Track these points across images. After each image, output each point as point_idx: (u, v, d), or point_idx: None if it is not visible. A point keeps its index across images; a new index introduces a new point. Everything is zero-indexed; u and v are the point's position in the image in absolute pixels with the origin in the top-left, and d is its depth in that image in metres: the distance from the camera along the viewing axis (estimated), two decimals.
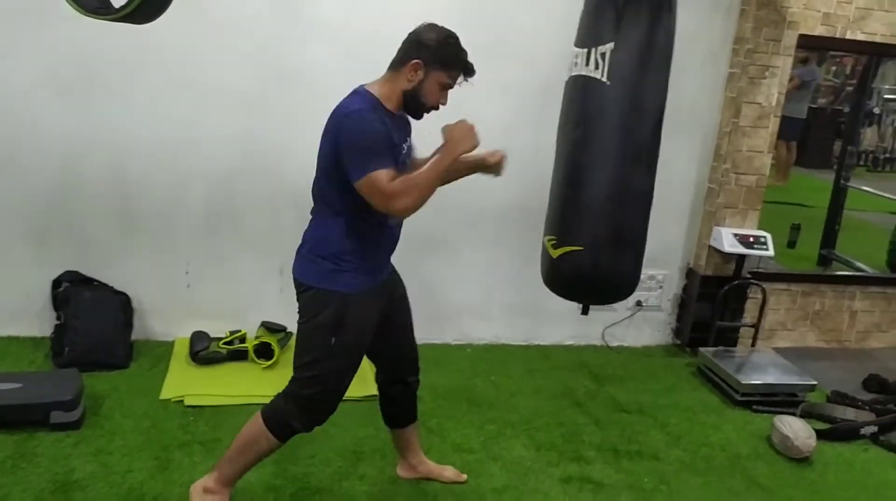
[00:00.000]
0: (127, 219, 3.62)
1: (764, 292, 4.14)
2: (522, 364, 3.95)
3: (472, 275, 4.05)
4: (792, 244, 5.95)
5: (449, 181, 2.38)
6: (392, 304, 2.50)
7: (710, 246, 4.12)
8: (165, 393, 3.26)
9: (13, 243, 3.55)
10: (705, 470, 3.11)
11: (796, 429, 3.26)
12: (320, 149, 2.29)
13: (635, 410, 3.56)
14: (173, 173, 3.59)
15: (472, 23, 3.62)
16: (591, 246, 2.58)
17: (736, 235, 4.01)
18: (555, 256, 2.62)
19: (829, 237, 5.61)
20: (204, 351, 3.51)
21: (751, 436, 3.42)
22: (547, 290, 3.95)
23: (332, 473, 2.82)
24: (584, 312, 2.81)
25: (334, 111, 2.25)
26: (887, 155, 9.62)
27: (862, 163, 9.27)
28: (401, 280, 2.59)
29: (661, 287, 4.27)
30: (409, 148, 2.41)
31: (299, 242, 3.90)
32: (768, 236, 4.07)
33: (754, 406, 3.65)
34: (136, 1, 1.92)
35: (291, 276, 2.41)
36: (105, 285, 3.61)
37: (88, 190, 3.55)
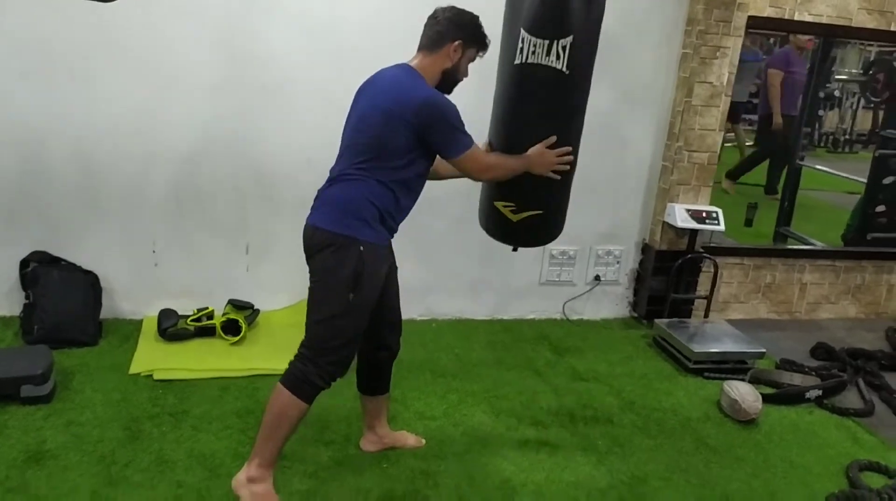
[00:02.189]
0: (94, 200, 3.67)
1: (716, 265, 4.30)
2: (485, 337, 4.07)
3: (436, 252, 4.16)
4: (749, 223, 6.15)
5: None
6: (390, 270, 2.63)
7: (664, 222, 4.26)
8: (135, 368, 3.33)
9: None
10: (657, 433, 3.26)
11: (743, 393, 3.42)
12: (370, 122, 2.40)
13: (592, 378, 3.70)
14: (139, 155, 3.65)
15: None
16: (547, 210, 2.74)
17: (688, 210, 4.16)
18: (515, 220, 2.74)
19: (785, 216, 5.80)
20: (172, 328, 3.58)
21: (701, 401, 3.58)
22: (511, 267, 4.13)
23: (297, 440, 2.88)
24: (515, 250, 3.00)
25: (393, 89, 2.40)
26: (847, 137, 9.84)
27: (822, 145, 9.51)
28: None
29: (618, 262, 4.41)
30: None
31: (264, 221, 4.02)
32: (719, 211, 4.22)
33: (705, 374, 3.81)
34: None
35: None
36: (73, 265, 3.67)
37: (55, 172, 3.59)
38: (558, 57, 2.45)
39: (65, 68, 3.47)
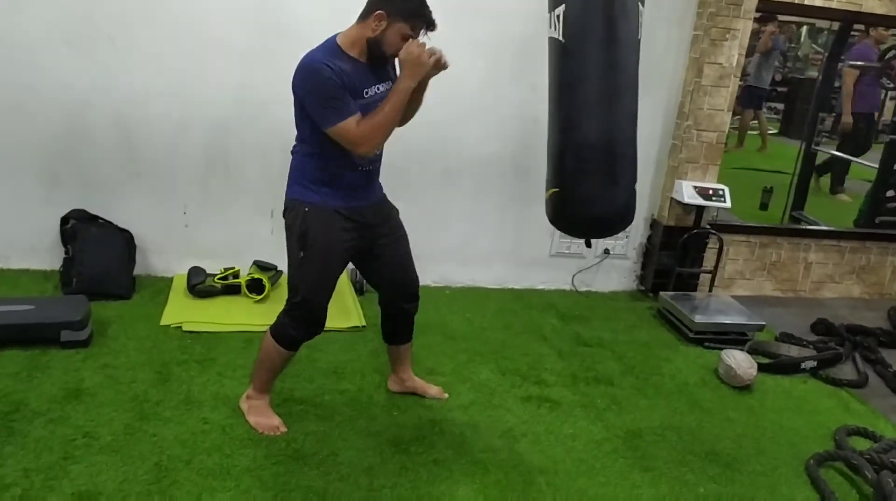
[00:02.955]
0: (130, 163, 3.91)
1: (721, 240, 4.45)
2: (496, 304, 4.27)
3: (453, 223, 4.35)
4: (764, 207, 6.25)
5: (414, 102, 2.57)
6: (379, 233, 2.73)
7: (672, 198, 4.41)
8: (165, 320, 3.57)
9: (25, 183, 3.85)
10: (654, 394, 3.44)
11: (739, 360, 3.58)
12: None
13: (596, 344, 3.88)
14: (173, 121, 3.87)
15: None
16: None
17: (696, 187, 4.31)
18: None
19: (799, 200, 5.91)
20: (200, 284, 3.81)
21: (699, 368, 3.74)
22: (523, 240, 4.32)
23: (314, 389, 3.14)
24: (588, 244, 3.00)
25: (301, 62, 2.45)
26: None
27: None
28: (393, 212, 2.83)
29: (627, 237, 4.57)
30: (384, 93, 2.51)
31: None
32: (726, 188, 4.36)
33: (706, 344, 3.97)
34: None
35: (282, 218, 2.70)
36: (110, 223, 3.91)
37: (94, 136, 3.83)
38: (555, 28, 2.55)
39: (106, 36, 3.69)
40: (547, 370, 3.54)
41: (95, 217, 3.90)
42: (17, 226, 3.89)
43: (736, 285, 4.78)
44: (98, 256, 3.75)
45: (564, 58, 2.59)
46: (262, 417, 2.81)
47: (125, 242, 3.89)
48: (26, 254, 3.92)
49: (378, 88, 2.52)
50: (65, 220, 3.87)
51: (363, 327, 3.75)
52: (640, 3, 2.60)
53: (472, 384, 3.34)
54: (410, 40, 2.42)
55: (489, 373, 3.46)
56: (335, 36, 2.50)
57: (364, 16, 2.46)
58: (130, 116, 3.82)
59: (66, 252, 3.82)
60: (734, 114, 6.43)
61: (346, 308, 3.88)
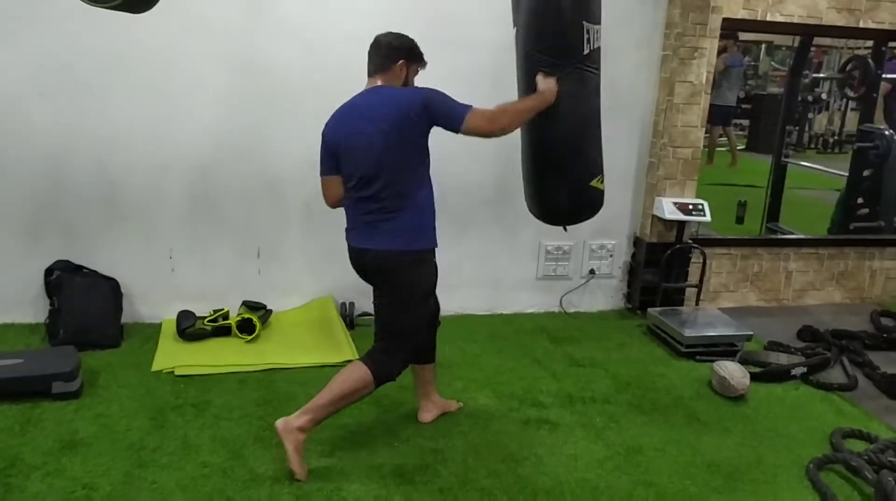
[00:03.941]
0: (112, 210, 3.90)
1: (704, 254, 4.51)
2: (487, 331, 4.28)
3: (438, 252, 4.34)
4: (740, 220, 6.33)
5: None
6: None
7: (653, 215, 4.48)
8: (157, 365, 3.54)
9: (6, 236, 3.82)
10: (651, 410, 3.45)
11: (732, 370, 3.62)
12: (381, 147, 2.71)
13: (589, 364, 3.90)
14: (154, 166, 3.88)
15: (428, 17, 4.00)
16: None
17: (675, 203, 4.38)
18: (603, 187, 3.15)
19: (773, 212, 6.01)
20: (190, 328, 3.79)
21: (693, 381, 3.77)
22: (509, 264, 4.36)
23: None
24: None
25: (386, 104, 2.72)
26: (836, 137, 10.06)
27: (812, 146, 9.74)
28: None
29: (611, 256, 4.63)
30: None
31: (274, 226, 4.24)
32: (705, 203, 4.43)
33: (697, 357, 4.00)
34: None
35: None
36: (95, 272, 3.88)
37: (75, 184, 3.82)
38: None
39: (83, 85, 3.71)
40: (543, 393, 3.55)
41: (80, 267, 3.87)
42: (0, 279, 3.84)
43: (721, 297, 4.84)
44: (84, 306, 3.72)
45: None
46: (300, 455, 2.70)
47: (111, 290, 3.86)
48: (10, 308, 3.87)
49: None
50: (49, 271, 3.84)
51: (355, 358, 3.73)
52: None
53: (470, 410, 3.34)
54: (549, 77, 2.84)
55: (486, 399, 3.46)
56: (380, 86, 2.81)
57: (386, 67, 2.81)
58: (111, 161, 3.82)
59: (52, 304, 3.78)
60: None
61: (337, 342, 3.87)
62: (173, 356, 3.64)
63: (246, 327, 3.87)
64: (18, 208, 3.80)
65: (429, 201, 2.85)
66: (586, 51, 2.85)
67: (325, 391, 2.75)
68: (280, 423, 2.70)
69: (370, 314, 4.18)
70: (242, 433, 3.02)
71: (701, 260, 4.54)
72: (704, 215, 4.40)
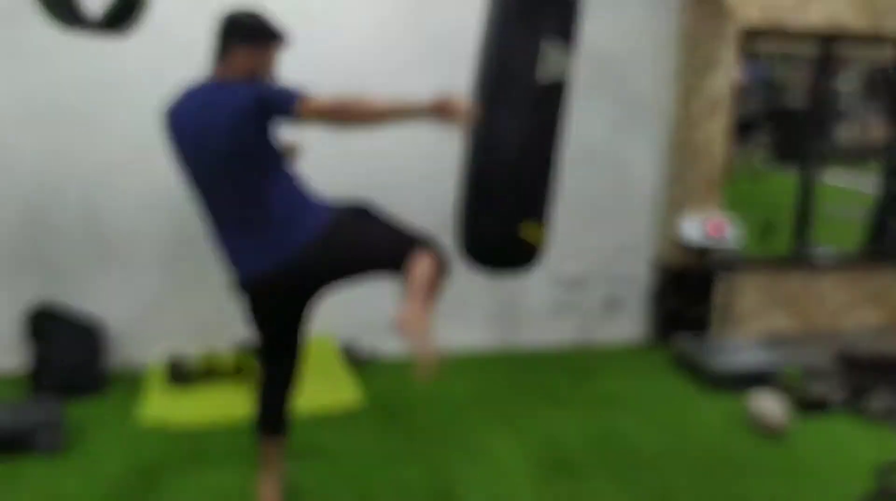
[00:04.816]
0: (95, 249, 3.71)
1: (730, 279, 4.25)
2: (501, 366, 4.04)
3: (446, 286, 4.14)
4: (767, 239, 6.08)
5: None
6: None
7: (674, 238, 4.23)
8: (146, 417, 3.30)
9: None
10: (681, 449, 3.19)
11: (768, 405, 3.35)
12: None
13: (611, 399, 3.64)
14: (138, 203, 3.70)
15: (429, 35, 3.83)
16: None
17: (698, 224, 4.13)
18: (538, 239, 2.82)
19: (802, 230, 5.73)
20: (179, 372, 3.57)
21: (726, 417, 3.50)
22: (521, 295, 4.15)
23: (318, 475, 2.89)
24: None
25: (216, 101, 2.28)
26: (864, 149, 9.79)
27: (841, 158, 9.45)
28: None
29: (630, 283, 4.37)
30: None
31: None
32: (730, 223, 4.18)
33: (728, 388, 3.73)
34: (111, 13, 2.02)
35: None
36: (78, 314, 3.68)
37: (56, 223, 3.65)
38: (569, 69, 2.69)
39: (65, 120, 3.54)
40: (565, 434, 3.29)
41: (62, 309, 3.67)
42: None
43: (750, 322, 4.57)
44: (67, 351, 3.50)
45: None
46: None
47: (95, 333, 3.64)
48: None
49: None
50: (31, 315, 3.63)
51: (361, 404, 3.51)
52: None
53: (486, 456, 3.10)
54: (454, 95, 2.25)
55: (503, 443, 3.21)
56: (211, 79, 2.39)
57: (224, 56, 2.38)
58: (92, 199, 3.64)
59: (34, 349, 3.57)
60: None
61: (337, 385, 3.65)
62: (163, 405, 3.41)
63: (238, 368, 3.65)
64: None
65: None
66: (540, 77, 2.58)
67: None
68: (405, 316, 2.20)
69: (376, 355, 4.00)
70: (236, 483, 2.79)
71: (726, 284, 4.27)
72: (729, 237, 4.15)
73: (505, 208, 2.72)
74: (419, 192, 3.86)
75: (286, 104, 2.21)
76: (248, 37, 2.37)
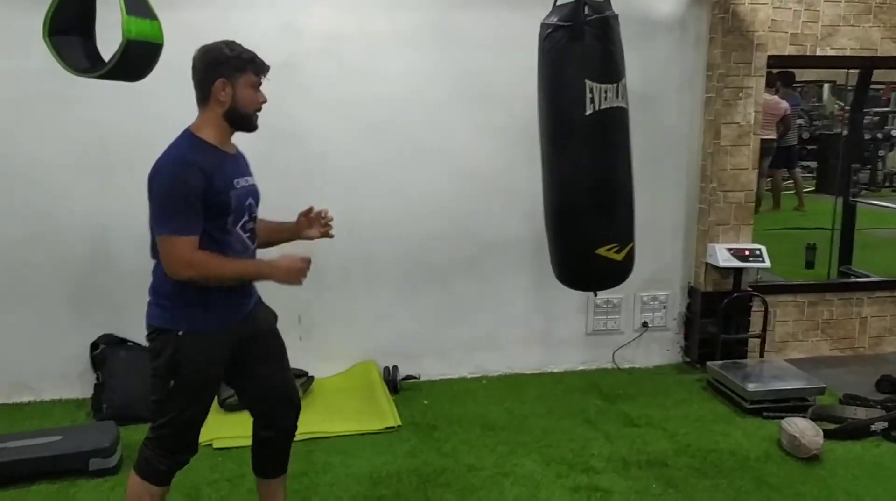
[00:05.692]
0: None
1: (765, 303, 4.25)
2: (535, 390, 4.10)
3: (482, 309, 4.25)
4: (810, 265, 6.01)
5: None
6: (254, 342, 2.45)
7: (706, 263, 4.26)
8: None
9: (53, 310, 3.87)
10: (714, 474, 3.19)
11: (803, 428, 3.33)
12: None
13: (645, 423, 3.67)
14: None
15: (452, 73, 3.97)
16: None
17: (730, 249, 4.15)
18: (621, 258, 2.89)
19: (845, 254, 5.68)
20: (230, 398, 3.72)
21: (760, 440, 3.49)
22: (556, 319, 4.20)
23: (350, 498, 2.99)
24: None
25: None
26: None
27: (888, 184, 9.29)
28: (269, 314, 2.59)
29: (664, 307, 4.41)
30: (252, 186, 2.44)
31: (313, 291, 4.17)
32: (763, 248, 4.19)
33: (764, 413, 3.72)
34: (116, 58, 2.14)
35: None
36: (138, 345, 3.88)
37: (116, 258, 3.86)
38: (622, 96, 2.73)
39: (121, 161, 3.77)
40: (595, 456, 3.33)
41: (124, 340, 3.88)
42: (47, 355, 3.88)
43: (789, 348, 4.53)
44: (127, 380, 3.70)
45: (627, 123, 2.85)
46: None
47: None
48: (57, 384, 3.90)
49: (247, 180, 2.42)
50: (94, 345, 3.86)
51: (398, 427, 3.61)
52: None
53: (515, 477, 3.16)
54: (299, 259, 2.35)
55: (533, 464, 3.26)
56: (189, 128, 2.32)
57: (204, 96, 2.27)
58: (146, 237, 3.83)
59: (97, 378, 3.79)
60: (765, 176, 6.34)
61: (380, 409, 3.75)
62: (212, 428, 3.54)
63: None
64: (64, 282, 3.86)
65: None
66: (589, 111, 2.69)
67: None
68: None
69: (414, 378, 4.11)
70: None
71: (763, 308, 4.27)
72: (763, 261, 4.16)
73: (585, 233, 2.91)
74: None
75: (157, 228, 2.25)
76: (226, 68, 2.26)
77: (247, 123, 2.34)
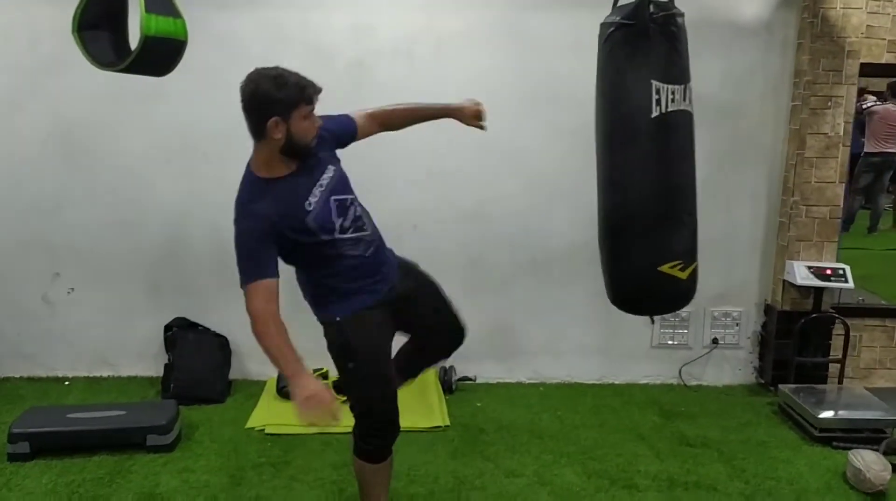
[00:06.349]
0: (225, 271, 4.06)
1: (846, 326, 3.97)
2: (592, 401, 4.01)
3: (543, 314, 4.19)
4: None
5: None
6: (405, 300, 2.55)
7: (784, 281, 4.03)
8: (251, 423, 3.62)
9: (134, 293, 4.13)
10: None
11: (869, 462, 3.11)
12: None
13: (700, 444, 3.52)
14: None
15: (521, 73, 3.93)
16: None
17: (810, 267, 3.91)
18: (685, 277, 2.67)
19: None
20: (287, 386, 3.84)
21: (824, 472, 3.29)
22: (619, 331, 4.08)
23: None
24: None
25: None
26: None
27: None
28: (410, 269, 2.68)
29: (737, 324, 4.20)
30: (335, 177, 2.43)
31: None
32: (847, 267, 3.92)
33: (834, 443, 3.50)
34: (135, 54, 2.22)
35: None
36: (207, 330, 4.07)
37: (192, 246, 4.07)
38: (689, 99, 2.57)
39: (201, 153, 3.97)
40: (640, 473, 3.23)
41: (195, 324, 4.08)
42: (127, 334, 4.14)
43: (875, 375, 4.23)
44: (194, 362, 3.90)
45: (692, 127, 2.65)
46: None
47: (220, 347, 4.03)
48: (134, 361, 4.15)
49: (321, 185, 2.39)
50: (167, 327, 4.07)
51: (446, 427, 3.62)
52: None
53: (553, 487, 3.11)
54: (325, 393, 2.33)
55: (574, 476, 3.20)
56: (246, 168, 2.40)
57: (259, 133, 2.29)
58: (224, 227, 4.00)
59: (168, 359, 4.00)
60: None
61: (429, 407, 3.78)
62: (268, 414, 3.70)
63: (339, 389, 3.86)
64: (145, 268, 4.10)
65: (305, 281, 2.59)
66: (655, 114, 2.52)
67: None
68: None
69: (471, 379, 4.10)
70: (312, 498, 2.99)
71: (846, 331, 4.00)
72: (846, 282, 3.89)
73: (648, 248, 2.66)
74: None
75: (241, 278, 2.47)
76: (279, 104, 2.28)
77: (304, 152, 2.34)
